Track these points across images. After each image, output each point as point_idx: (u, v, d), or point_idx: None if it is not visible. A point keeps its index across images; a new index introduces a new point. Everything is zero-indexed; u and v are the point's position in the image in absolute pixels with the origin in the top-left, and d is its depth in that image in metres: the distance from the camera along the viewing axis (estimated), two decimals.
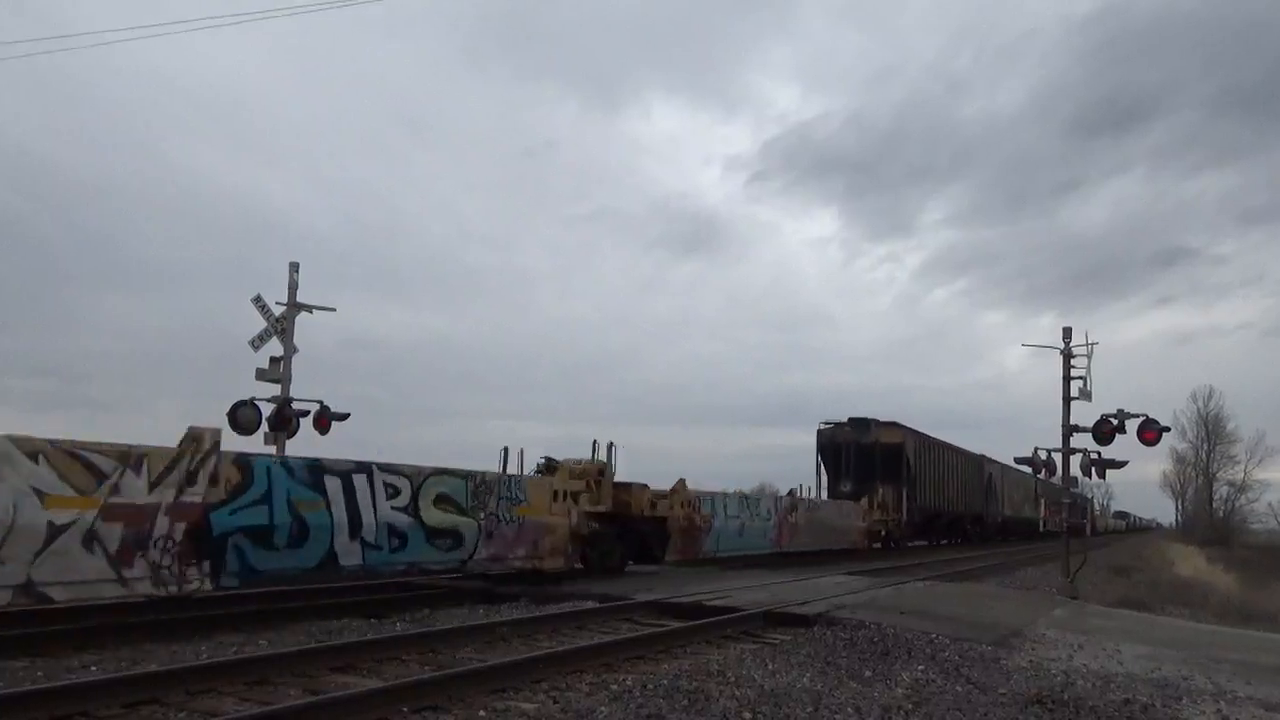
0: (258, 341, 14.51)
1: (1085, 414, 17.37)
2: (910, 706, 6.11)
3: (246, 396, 13.92)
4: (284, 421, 14.20)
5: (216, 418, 13.68)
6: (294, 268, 14.73)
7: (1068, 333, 17.64)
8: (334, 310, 15.03)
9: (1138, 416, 16.80)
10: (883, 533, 27.18)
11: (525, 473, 14.82)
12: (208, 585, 8.39)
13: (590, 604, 10.18)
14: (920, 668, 7.52)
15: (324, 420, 14.46)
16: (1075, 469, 17.64)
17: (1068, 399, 17.41)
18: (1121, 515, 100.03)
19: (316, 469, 9.77)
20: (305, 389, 14.82)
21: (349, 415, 14.74)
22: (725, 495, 19.13)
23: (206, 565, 8.37)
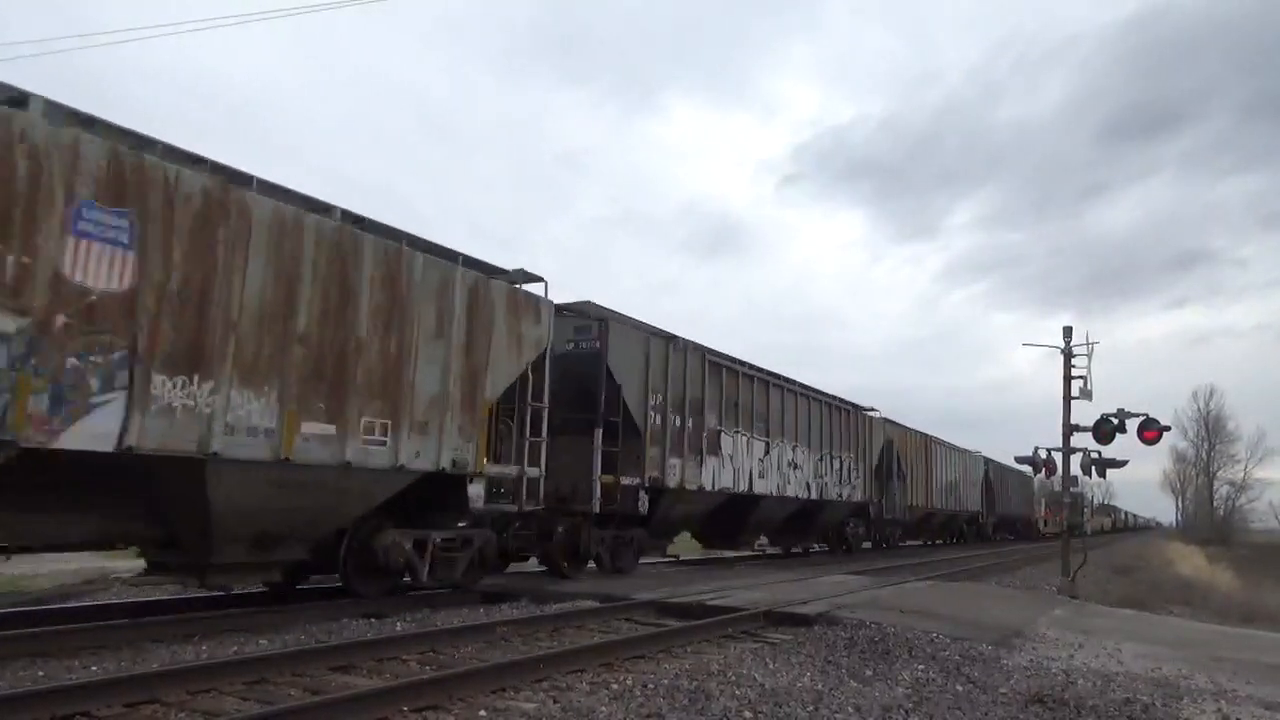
0: None
1: (1088, 413, 17.40)
2: (911, 706, 6.11)
3: None
4: None
5: None
6: None
7: (1068, 332, 17.67)
8: None
9: (1138, 416, 16.82)
10: None
11: None
12: None
13: (590, 603, 10.18)
14: (921, 667, 7.52)
15: None
16: (1075, 468, 17.67)
17: (1068, 398, 17.43)
18: (1107, 510, 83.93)
19: None
20: None
21: None
22: None
23: None
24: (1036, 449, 18.46)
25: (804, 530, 22.08)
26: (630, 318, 14.55)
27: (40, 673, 6.11)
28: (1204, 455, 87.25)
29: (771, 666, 7.15)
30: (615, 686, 6.11)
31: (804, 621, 9.33)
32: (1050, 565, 23.07)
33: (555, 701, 5.70)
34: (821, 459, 20.87)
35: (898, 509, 26.67)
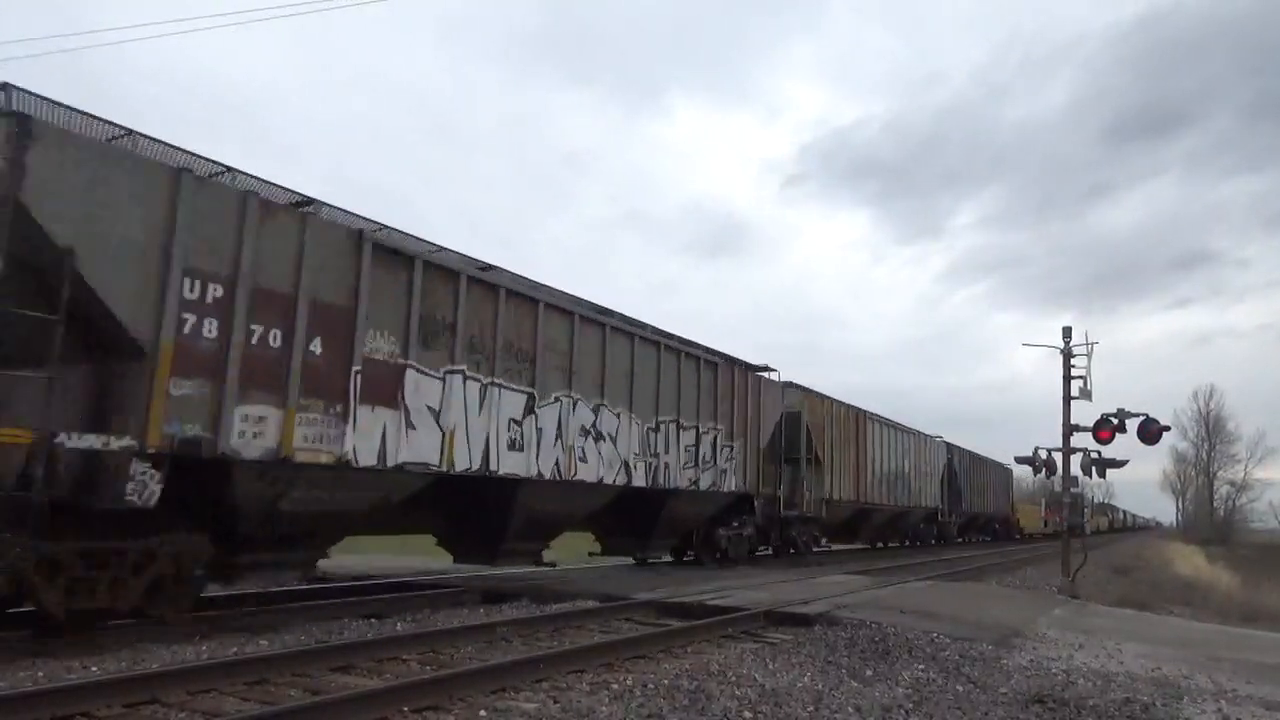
0: None
1: (1089, 413, 17.40)
2: (911, 706, 6.11)
3: None
4: None
5: None
6: None
7: (1067, 332, 17.66)
8: None
9: (1138, 416, 16.82)
10: None
11: None
12: None
13: (591, 603, 10.18)
14: (921, 667, 7.52)
15: None
16: (1076, 468, 17.66)
17: (1068, 398, 17.42)
18: (1105, 510, 76.40)
19: None
20: None
21: None
22: None
23: None
24: (1036, 449, 18.44)
25: (642, 531, 15.18)
26: (141, 135, 7.99)
27: (40, 673, 6.11)
28: (1204, 455, 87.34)
29: (772, 666, 7.15)
30: (615, 686, 6.11)
31: (804, 621, 9.33)
32: (1050, 565, 23.08)
33: (555, 701, 5.70)
34: (658, 429, 14.31)
35: (807, 503, 20.21)
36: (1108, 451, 17.28)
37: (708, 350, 16.26)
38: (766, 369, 18.53)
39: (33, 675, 6.03)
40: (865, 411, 24.80)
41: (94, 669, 6.30)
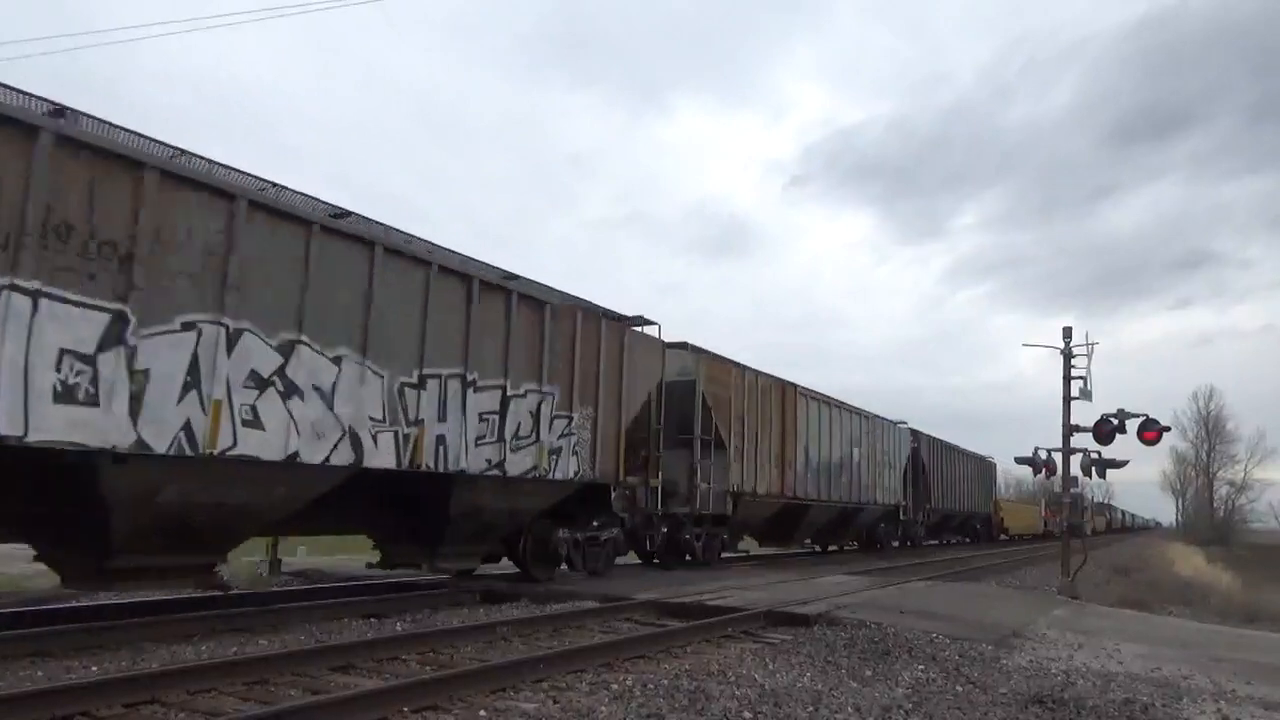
0: None
1: (1090, 414, 17.42)
2: (910, 706, 6.11)
3: None
4: None
5: None
6: None
7: (1068, 332, 17.67)
8: None
9: (1138, 416, 16.83)
10: None
11: None
12: None
13: (590, 604, 10.18)
14: (920, 667, 7.52)
15: None
16: (1076, 469, 17.68)
17: (1068, 399, 17.43)
18: (1103, 510, 70.90)
19: None
20: None
21: None
22: None
23: None
24: (1036, 449, 18.46)
25: (427, 534, 10.66)
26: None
27: (40, 673, 6.12)
28: (1204, 456, 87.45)
29: (771, 667, 7.15)
30: (615, 687, 6.11)
31: (804, 621, 9.34)
32: (1049, 566, 23.09)
33: (555, 701, 5.70)
34: (422, 385, 9.66)
35: (702, 497, 15.80)
36: (1108, 452, 17.31)
37: (531, 283, 11.67)
38: (642, 321, 13.86)
39: (33, 675, 6.04)
40: (796, 386, 20.03)
41: (94, 669, 6.31)
